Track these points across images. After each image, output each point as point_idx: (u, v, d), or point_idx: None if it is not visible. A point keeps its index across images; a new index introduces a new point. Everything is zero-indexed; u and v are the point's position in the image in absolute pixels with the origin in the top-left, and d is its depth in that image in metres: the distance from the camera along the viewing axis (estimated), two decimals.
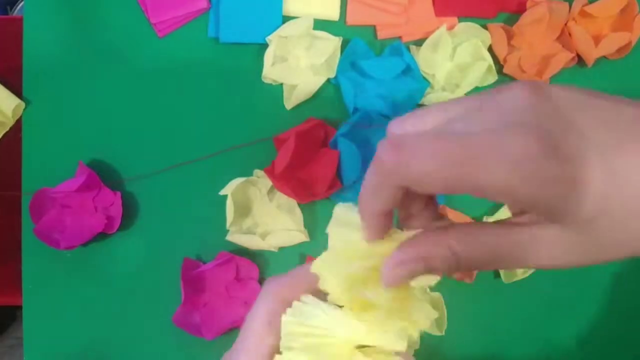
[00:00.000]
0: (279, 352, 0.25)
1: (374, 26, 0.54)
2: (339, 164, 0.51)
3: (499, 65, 0.53)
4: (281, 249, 0.52)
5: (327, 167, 0.50)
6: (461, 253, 0.22)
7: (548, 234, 0.21)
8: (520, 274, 0.51)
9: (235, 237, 0.51)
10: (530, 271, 0.51)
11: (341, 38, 0.52)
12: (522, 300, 0.53)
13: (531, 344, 0.53)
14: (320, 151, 0.51)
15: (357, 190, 0.50)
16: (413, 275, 0.22)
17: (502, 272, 0.52)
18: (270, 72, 0.52)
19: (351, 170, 0.51)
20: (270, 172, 0.49)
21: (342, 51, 0.52)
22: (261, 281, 0.51)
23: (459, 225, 0.23)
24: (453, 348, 0.52)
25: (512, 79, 0.53)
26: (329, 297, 0.25)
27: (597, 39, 0.52)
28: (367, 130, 0.51)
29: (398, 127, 0.23)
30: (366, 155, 0.51)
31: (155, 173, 0.52)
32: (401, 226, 0.25)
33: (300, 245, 0.51)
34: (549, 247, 0.21)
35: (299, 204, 0.51)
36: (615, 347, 0.53)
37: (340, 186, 0.51)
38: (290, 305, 0.25)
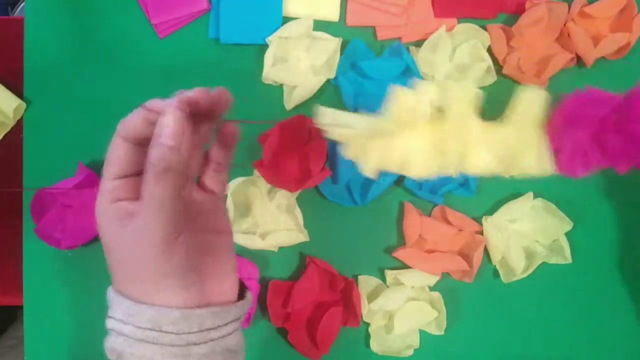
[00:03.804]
0: None
1: (374, 27, 0.54)
2: (334, 157, 0.51)
3: (498, 66, 0.53)
4: (281, 249, 0.52)
5: (316, 156, 0.50)
6: None
7: None
8: (520, 273, 0.51)
9: (235, 237, 0.51)
10: (530, 271, 0.52)
11: (341, 39, 0.52)
12: (521, 300, 0.53)
13: (531, 343, 0.53)
14: (309, 143, 0.51)
15: (346, 178, 0.50)
16: None
17: (501, 272, 0.52)
18: (271, 72, 0.52)
19: (344, 163, 0.51)
20: (259, 165, 0.49)
21: (342, 52, 0.53)
22: (261, 281, 0.51)
23: None
24: (453, 347, 0.53)
25: (511, 79, 0.54)
26: None
27: (596, 40, 0.52)
28: None
29: None
30: None
31: None
32: None
33: (300, 245, 0.51)
34: None
35: (298, 204, 0.51)
36: (616, 346, 0.53)
37: (329, 173, 0.50)
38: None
